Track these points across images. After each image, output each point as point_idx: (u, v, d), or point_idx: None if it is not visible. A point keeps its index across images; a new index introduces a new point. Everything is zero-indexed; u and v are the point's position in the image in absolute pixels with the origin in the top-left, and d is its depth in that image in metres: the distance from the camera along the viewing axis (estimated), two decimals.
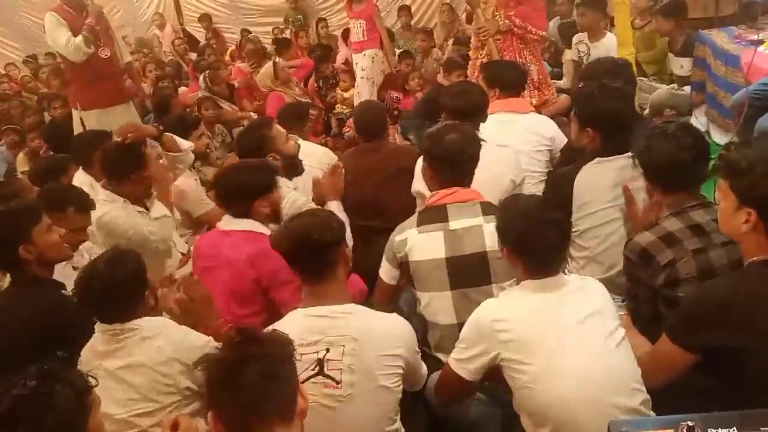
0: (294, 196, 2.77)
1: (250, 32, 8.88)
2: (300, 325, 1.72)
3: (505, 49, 3.91)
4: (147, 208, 2.97)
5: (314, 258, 1.78)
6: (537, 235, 1.69)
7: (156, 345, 1.83)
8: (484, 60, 3.94)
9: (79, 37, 4.25)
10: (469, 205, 2.14)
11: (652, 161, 1.96)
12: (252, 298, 2.33)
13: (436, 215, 2.14)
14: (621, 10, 3.70)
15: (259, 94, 6.23)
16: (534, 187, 2.97)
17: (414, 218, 2.20)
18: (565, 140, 3.12)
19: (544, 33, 3.98)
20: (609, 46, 4.53)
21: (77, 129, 4.56)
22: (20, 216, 2.23)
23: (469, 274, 2.07)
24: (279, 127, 2.93)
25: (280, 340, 1.37)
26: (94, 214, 2.81)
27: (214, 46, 8.55)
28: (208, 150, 4.44)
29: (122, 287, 1.85)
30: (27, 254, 2.18)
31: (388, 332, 1.77)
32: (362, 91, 5.62)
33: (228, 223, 2.43)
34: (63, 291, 2.22)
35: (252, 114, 5.73)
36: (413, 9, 8.02)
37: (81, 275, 1.92)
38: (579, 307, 1.69)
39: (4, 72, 9.21)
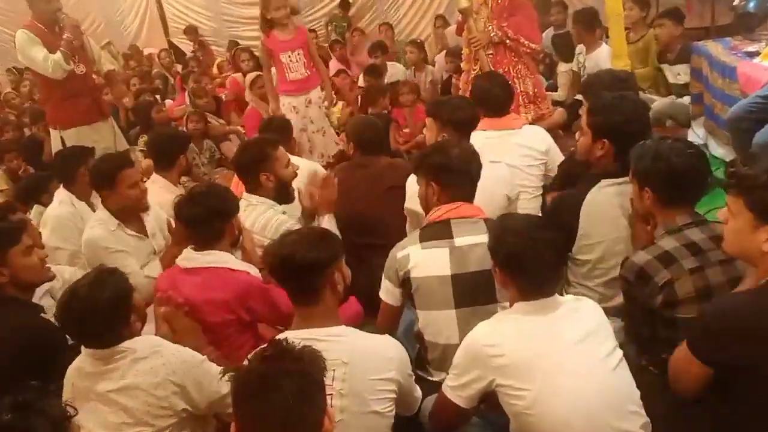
0: (281, 219, 2.73)
1: (238, 44, 8.93)
2: None
3: (498, 62, 3.92)
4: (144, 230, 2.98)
5: (300, 279, 1.79)
6: (530, 255, 1.69)
7: (150, 366, 1.82)
8: (478, 73, 3.97)
9: (58, 54, 4.16)
10: (473, 222, 2.12)
11: (659, 171, 1.93)
12: (227, 337, 2.26)
13: (441, 231, 2.12)
14: (615, 21, 3.75)
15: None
16: (529, 202, 2.99)
17: (416, 234, 2.18)
18: (560, 154, 3.15)
19: (537, 45, 4.00)
20: (602, 58, 4.61)
21: (56, 148, 4.48)
22: None
23: (474, 293, 2.06)
24: (283, 149, 2.89)
25: (316, 358, 1.35)
26: (84, 234, 2.85)
27: (201, 58, 8.60)
28: (194, 165, 4.45)
29: (105, 312, 1.83)
30: (1, 277, 2.19)
31: (380, 355, 1.77)
32: (314, 146, 4.68)
33: (188, 258, 2.34)
34: (42, 314, 2.22)
35: (239, 128, 5.73)
36: (406, 21, 8.11)
37: (62, 299, 1.90)
38: (574, 328, 1.69)
39: None
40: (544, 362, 1.65)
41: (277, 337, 1.81)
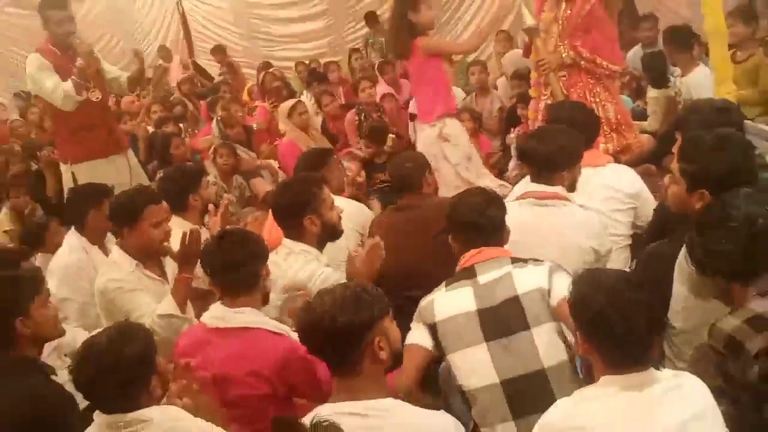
0: (326, 273, 2.77)
1: (271, 65, 9.24)
2: None
3: (572, 86, 3.93)
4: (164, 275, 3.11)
5: (334, 347, 1.83)
6: (620, 317, 1.68)
7: None
8: (548, 101, 4.00)
9: (69, 83, 4.40)
10: (497, 260, 2.30)
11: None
12: (257, 414, 2.30)
13: (464, 274, 2.32)
14: (716, 41, 3.72)
15: (280, 138, 6.42)
16: (616, 254, 2.97)
17: (443, 284, 2.37)
18: (652, 199, 3.13)
19: (617, 67, 4.00)
20: (698, 82, 4.58)
21: (67, 185, 4.73)
22: (20, 284, 2.40)
23: (504, 322, 2.18)
24: (329, 190, 2.97)
25: None
26: (98, 279, 2.99)
27: (230, 82, 8.90)
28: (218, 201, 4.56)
29: (124, 371, 1.90)
30: (23, 328, 2.32)
31: None
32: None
33: (217, 317, 2.38)
34: (52, 376, 2.33)
35: (272, 162, 5.89)
36: (466, 36, 8.19)
37: (79, 352, 1.99)
38: (677, 410, 1.67)
39: None
40: None
41: (314, 412, 1.86)
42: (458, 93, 6.73)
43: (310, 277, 2.77)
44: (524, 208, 2.75)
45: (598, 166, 3.13)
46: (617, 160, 3.60)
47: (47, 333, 2.44)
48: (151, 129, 6.92)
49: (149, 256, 3.09)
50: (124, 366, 1.91)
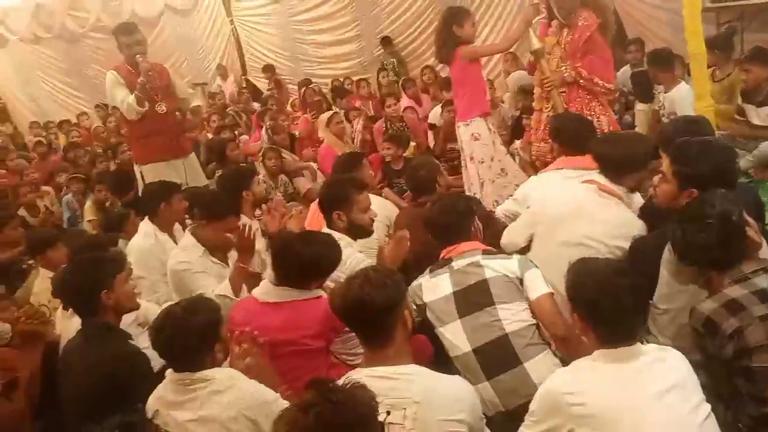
0: (358, 258, 2.77)
1: (311, 82, 9.28)
2: None
3: (572, 100, 3.90)
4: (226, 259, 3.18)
5: (372, 321, 1.83)
6: (610, 300, 1.69)
7: (226, 400, 1.90)
8: (550, 113, 3.97)
9: (132, 96, 4.52)
10: (470, 253, 2.42)
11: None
12: (308, 370, 2.32)
13: (443, 264, 2.46)
14: (697, 61, 3.68)
15: (319, 143, 6.46)
16: None
17: (427, 270, 2.50)
18: (640, 197, 3.10)
19: (611, 85, 3.98)
20: (681, 96, 4.52)
21: (139, 180, 4.83)
22: (106, 263, 2.49)
23: (473, 301, 2.31)
24: (368, 194, 2.99)
25: (362, 402, 1.39)
26: (170, 261, 3.08)
27: (276, 96, 8.98)
28: (268, 198, 4.62)
29: (194, 335, 1.95)
30: (107, 300, 2.39)
31: (451, 396, 1.79)
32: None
33: (267, 293, 2.43)
34: (130, 341, 2.38)
35: (312, 164, 5.94)
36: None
37: (158, 318, 2.05)
38: (658, 379, 1.66)
39: (76, 121, 9.97)
40: (627, 413, 1.62)
41: (351, 372, 1.88)
42: None
43: (345, 260, 2.78)
44: (586, 193, 2.71)
45: (593, 169, 3.09)
46: None
47: (127, 305, 2.51)
48: (210, 136, 7.02)
49: (218, 249, 3.17)
50: (194, 331, 1.96)
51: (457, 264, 2.40)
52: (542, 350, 2.25)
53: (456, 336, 2.30)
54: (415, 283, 2.46)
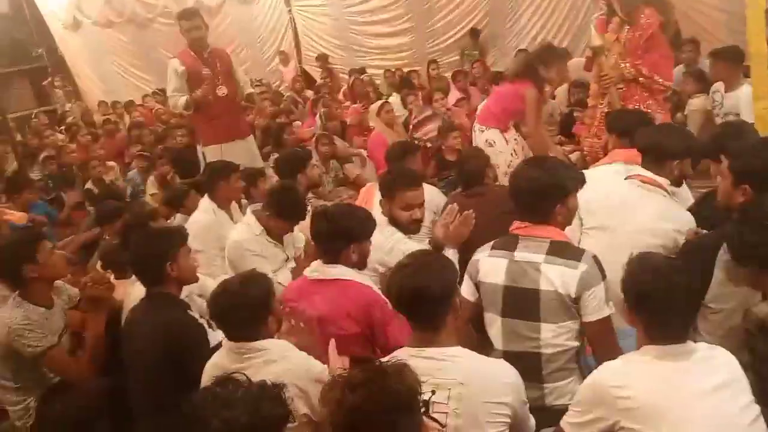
0: (409, 245, 2.74)
1: (365, 71, 9.25)
2: None
3: (628, 98, 3.81)
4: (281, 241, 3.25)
5: (428, 309, 1.80)
6: (663, 296, 1.63)
7: (279, 369, 1.93)
8: (605, 109, 3.88)
9: (184, 99, 4.65)
10: (538, 241, 2.12)
11: None
12: (346, 353, 2.28)
13: (507, 242, 2.18)
14: (757, 62, 3.52)
15: (368, 132, 6.47)
16: None
17: (490, 244, 2.26)
18: (690, 195, 2.99)
19: (670, 83, 3.85)
20: (741, 97, 4.33)
21: (201, 160, 4.95)
22: (172, 236, 2.56)
23: (521, 307, 2.10)
24: (416, 193, 2.87)
25: (406, 381, 1.38)
26: (231, 235, 3.18)
27: (329, 84, 9.01)
28: (320, 180, 4.65)
29: (250, 305, 2.00)
30: (171, 271, 2.45)
31: (496, 379, 1.76)
32: None
33: (316, 270, 2.43)
34: (188, 311, 2.44)
35: (362, 151, 5.94)
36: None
37: (216, 290, 2.09)
38: (707, 377, 1.60)
39: (140, 103, 10.26)
40: (673, 410, 1.56)
41: (397, 351, 1.87)
42: None
43: (394, 246, 2.77)
44: (630, 187, 2.60)
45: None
46: None
47: (188, 277, 2.56)
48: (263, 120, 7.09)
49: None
50: (249, 303, 2.00)
51: (519, 255, 2.13)
52: (570, 375, 2.11)
53: (493, 329, 2.20)
54: (475, 256, 2.27)
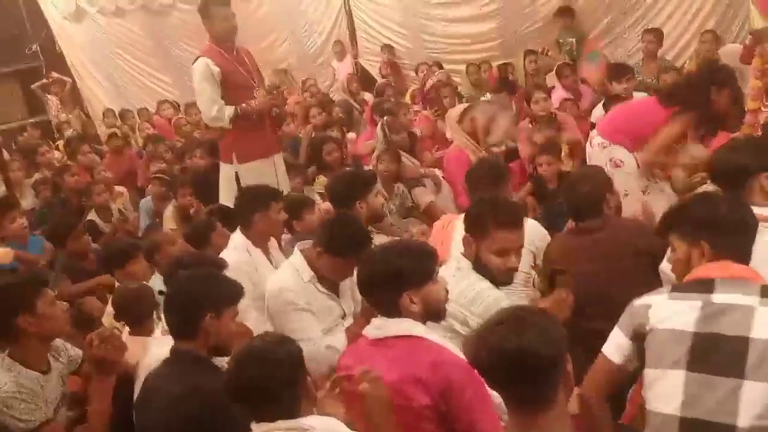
0: (497, 296, 2.76)
1: (441, 66, 9.31)
2: None
3: None
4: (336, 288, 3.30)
5: (527, 381, 1.78)
6: None
7: None
8: None
9: (230, 111, 4.84)
10: (744, 283, 2.13)
11: None
12: (419, 424, 2.32)
13: (698, 286, 2.16)
14: None
15: (442, 144, 6.49)
16: None
17: (667, 288, 2.25)
18: None
19: None
20: None
21: (228, 182, 5.13)
22: (222, 286, 2.67)
23: (716, 359, 2.04)
24: (515, 235, 2.88)
25: None
26: (271, 282, 3.25)
27: (393, 84, 9.11)
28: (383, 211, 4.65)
29: (284, 370, 2.06)
30: (210, 326, 2.55)
31: None
32: None
33: (378, 327, 2.46)
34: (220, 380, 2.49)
35: (436, 171, 5.93)
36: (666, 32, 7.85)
37: (236, 356, 2.15)
38: None
39: (154, 111, 10.63)
40: None
41: None
42: None
43: (477, 297, 2.78)
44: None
45: None
46: None
47: (224, 342, 2.62)
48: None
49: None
50: (279, 368, 2.06)
51: (719, 297, 2.11)
52: None
53: (669, 388, 2.10)
54: (639, 301, 2.24)
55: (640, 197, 4.10)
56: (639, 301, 2.24)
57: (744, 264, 2.21)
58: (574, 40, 8.67)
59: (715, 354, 2.05)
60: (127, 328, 3.39)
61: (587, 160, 4.52)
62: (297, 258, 3.30)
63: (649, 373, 2.17)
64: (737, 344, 2.02)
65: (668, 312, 2.15)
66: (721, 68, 4.20)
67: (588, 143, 4.46)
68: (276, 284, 3.29)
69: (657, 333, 2.15)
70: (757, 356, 2.00)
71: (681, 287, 2.23)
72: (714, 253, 2.21)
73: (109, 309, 3.87)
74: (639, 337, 2.20)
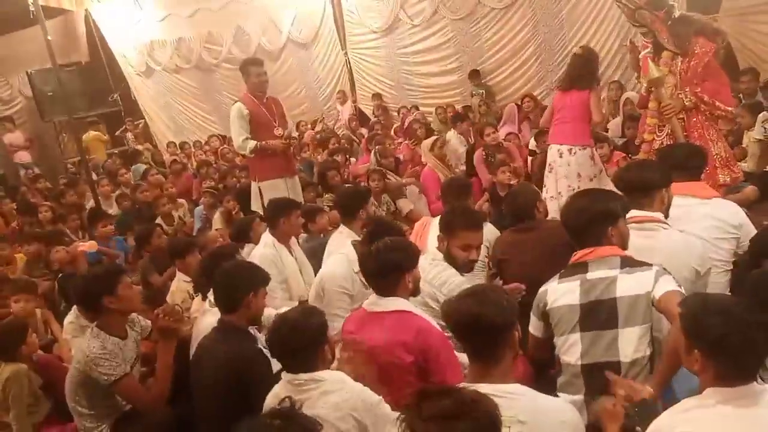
0: (459, 281, 2.74)
1: (418, 109, 9.37)
2: None
3: (691, 127, 3.74)
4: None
5: (484, 339, 1.79)
6: (742, 339, 1.53)
7: (336, 400, 1.94)
8: (666, 141, 3.80)
9: (252, 144, 4.88)
10: (608, 259, 2.23)
11: None
12: (401, 383, 2.31)
13: (576, 269, 2.27)
14: None
15: (419, 165, 6.48)
16: (718, 276, 2.77)
17: (557, 275, 2.34)
18: (754, 229, 2.87)
19: (732, 108, 3.75)
20: None
21: (255, 195, 5.15)
22: (257, 273, 2.69)
23: (597, 318, 2.17)
24: (476, 234, 2.88)
25: (493, 414, 1.38)
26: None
27: (382, 121, 9.14)
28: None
29: (308, 337, 2.03)
30: (250, 303, 2.56)
31: (556, 417, 1.73)
32: None
33: (375, 303, 2.45)
34: (256, 345, 2.49)
35: (413, 180, 5.96)
36: None
37: (274, 324, 2.13)
38: None
39: (204, 142, 10.68)
40: None
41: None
42: None
43: (446, 281, 2.77)
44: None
45: (705, 198, 2.91)
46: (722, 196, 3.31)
47: (257, 316, 2.63)
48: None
49: None
50: (309, 332, 2.04)
51: (591, 274, 2.22)
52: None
53: (571, 346, 2.20)
54: (541, 289, 2.34)
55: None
56: (541, 289, 2.35)
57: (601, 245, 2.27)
58: (483, 91, 8.99)
59: (597, 315, 2.18)
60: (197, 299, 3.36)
61: (549, 170, 4.57)
62: (351, 251, 3.21)
63: (557, 339, 2.26)
64: (610, 304, 2.15)
65: (559, 293, 2.27)
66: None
67: (558, 156, 4.48)
68: (335, 269, 3.24)
69: (554, 310, 2.27)
70: (625, 310, 2.12)
71: (565, 272, 2.31)
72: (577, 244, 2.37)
73: (172, 289, 3.87)
74: (544, 316, 2.31)
